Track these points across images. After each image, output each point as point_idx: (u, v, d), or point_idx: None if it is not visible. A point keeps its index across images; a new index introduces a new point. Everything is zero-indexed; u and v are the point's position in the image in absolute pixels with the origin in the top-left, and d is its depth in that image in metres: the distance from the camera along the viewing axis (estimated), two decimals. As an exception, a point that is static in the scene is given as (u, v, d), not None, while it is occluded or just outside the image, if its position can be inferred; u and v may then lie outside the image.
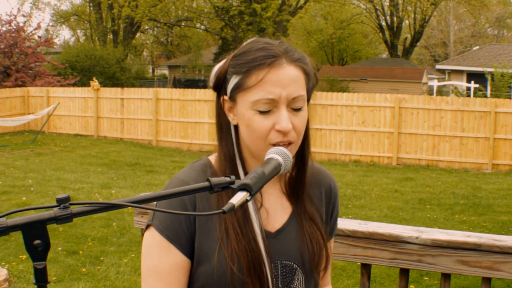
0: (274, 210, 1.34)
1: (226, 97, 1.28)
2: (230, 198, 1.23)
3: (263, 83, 1.21)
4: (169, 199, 1.19)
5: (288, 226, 1.34)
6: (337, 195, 1.47)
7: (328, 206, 1.44)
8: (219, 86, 1.30)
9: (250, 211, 1.27)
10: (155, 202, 1.25)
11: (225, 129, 1.31)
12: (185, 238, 1.27)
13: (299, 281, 1.32)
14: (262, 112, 1.22)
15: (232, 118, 1.29)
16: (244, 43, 1.30)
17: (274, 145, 1.23)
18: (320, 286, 1.48)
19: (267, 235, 1.29)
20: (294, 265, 1.31)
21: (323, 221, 1.41)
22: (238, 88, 1.24)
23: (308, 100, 1.31)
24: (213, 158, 1.37)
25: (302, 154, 1.35)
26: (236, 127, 1.30)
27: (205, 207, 1.28)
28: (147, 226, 1.30)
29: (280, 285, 1.30)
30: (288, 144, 1.24)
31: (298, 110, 1.24)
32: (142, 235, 1.34)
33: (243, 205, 1.07)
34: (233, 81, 1.25)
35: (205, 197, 1.28)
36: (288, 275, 1.31)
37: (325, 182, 1.44)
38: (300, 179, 1.36)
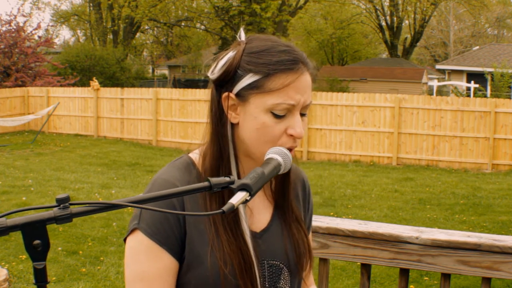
0: (257, 210, 1.33)
1: (231, 95, 1.22)
2: (219, 199, 1.23)
3: (288, 88, 1.19)
4: (157, 201, 1.04)
5: (272, 226, 1.33)
6: (310, 190, 1.47)
7: (304, 202, 1.44)
8: (225, 81, 1.23)
9: (240, 211, 1.24)
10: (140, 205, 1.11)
11: (221, 125, 1.25)
12: (175, 240, 1.21)
13: (285, 280, 1.31)
14: (277, 116, 1.20)
15: (234, 117, 1.23)
16: (258, 40, 1.24)
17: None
18: (305, 286, 1.47)
19: (253, 235, 1.27)
20: (281, 264, 1.30)
21: (303, 218, 1.41)
22: (255, 88, 1.19)
23: None
24: (194, 156, 1.30)
25: None
26: (232, 125, 1.25)
27: (194, 207, 1.23)
28: (132, 230, 1.23)
29: (267, 285, 1.29)
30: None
31: (304, 116, 1.24)
32: (125, 240, 1.26)
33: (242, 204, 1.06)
34: (248, 79, 1.20)
35: (193, 197, 1.24)
36: (275, 274, 1.30)
37: (299, 178, 1.44)
38: (287, 179, 1.35)
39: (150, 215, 1.21)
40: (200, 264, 1.22)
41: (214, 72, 1.24)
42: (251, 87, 1.20)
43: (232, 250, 1.21)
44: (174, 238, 1.21)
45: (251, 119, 1.21)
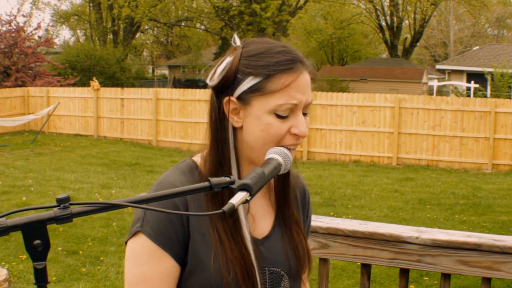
0: (259, 216, 1.33)
1: (233, 98, 1.22)
2: (221, 200, 1.22)
3: (288, 88, 1.20)
4: (161, 202, 1.09)
5: (274, 233, 1.33)
6: (309, 199, 1.48)
7: (303, 209, 1.45)
8: (225, 86, 1.23)
9: (241, 217, 1.24)
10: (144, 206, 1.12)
11: (222, 130, 1.25)
12: (178, 244, 1.21)
13: (285, 287, 1.32)
14: (280, 117, 1.21)
15: (236, 121, 1.23)
16: (254, 43, 1.25)
17: (287, 148, 1.22)
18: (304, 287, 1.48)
19: (255, 241, 1.27)
20: (281, 271, 1.31)
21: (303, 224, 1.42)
22: (256, 91, 1.20)
23: None
24: (198, 160, 1.31)
25: None
26: (234, 129, 1.25)
27: (197, 209, 1.23)
28: (135, 233, 1.22)
29: None
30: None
31: (306, 115, 1.26)
32: (126, 243, 1.25)
33: (237, 208, 1.06)
34: (248, 82, 1.20)
35: (197, 199, 1.24)
36: (275, 281, 1.30)
37: (298, 185, 1.45)
38: (286, 182, 1.35)
39: (154, 218, 1.21)
40: (203, 269, 1.22)
41: (213, 79, 1.24)
42: (252, 90, 1.20)
43: (234, 256, 1.21)
44: (177, 242, 1.22)
45: (255, 121, 1.22)
